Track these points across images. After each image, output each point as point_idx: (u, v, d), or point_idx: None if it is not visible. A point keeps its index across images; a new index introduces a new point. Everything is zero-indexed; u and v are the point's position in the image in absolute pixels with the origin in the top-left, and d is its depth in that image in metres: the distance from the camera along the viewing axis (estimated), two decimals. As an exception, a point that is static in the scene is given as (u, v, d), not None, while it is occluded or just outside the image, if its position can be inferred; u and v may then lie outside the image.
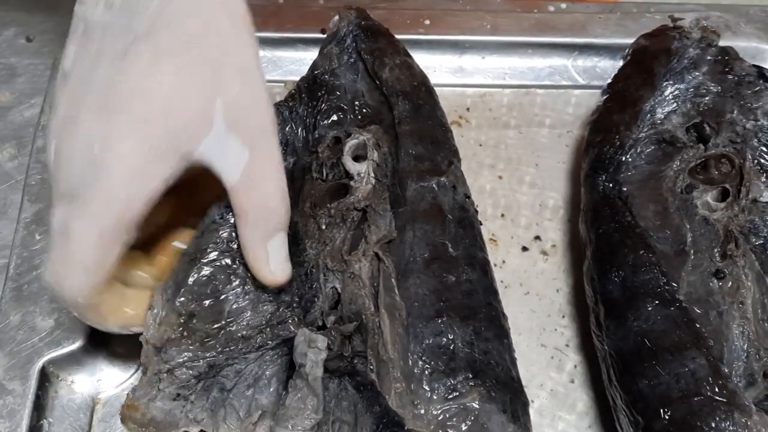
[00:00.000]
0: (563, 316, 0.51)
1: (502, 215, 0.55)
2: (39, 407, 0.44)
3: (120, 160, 0.35)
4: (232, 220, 0.41)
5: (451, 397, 0.38)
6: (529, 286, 0.52)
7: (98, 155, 0.35)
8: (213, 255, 0.40)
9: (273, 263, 0.39)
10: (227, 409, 0.40)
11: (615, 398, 0.43)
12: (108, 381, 0.46)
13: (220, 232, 0.40)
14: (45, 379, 0.45)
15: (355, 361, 0.39)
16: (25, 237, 0.49)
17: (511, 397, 0.39)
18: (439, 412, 0.37)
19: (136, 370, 0.46)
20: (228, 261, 0.40)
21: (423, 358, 0.39)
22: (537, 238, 0.54)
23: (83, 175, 0.35)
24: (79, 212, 0.35)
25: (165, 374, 0.38)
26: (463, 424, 0.37)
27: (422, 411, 0.37)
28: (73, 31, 0.39)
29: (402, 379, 0.38)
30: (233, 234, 0.40)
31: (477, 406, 0.37)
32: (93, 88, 0.36)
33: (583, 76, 0.61)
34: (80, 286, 0.36)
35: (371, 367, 0.39)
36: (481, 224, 0.48)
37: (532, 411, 0.45)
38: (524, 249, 0.53)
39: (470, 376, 0.38)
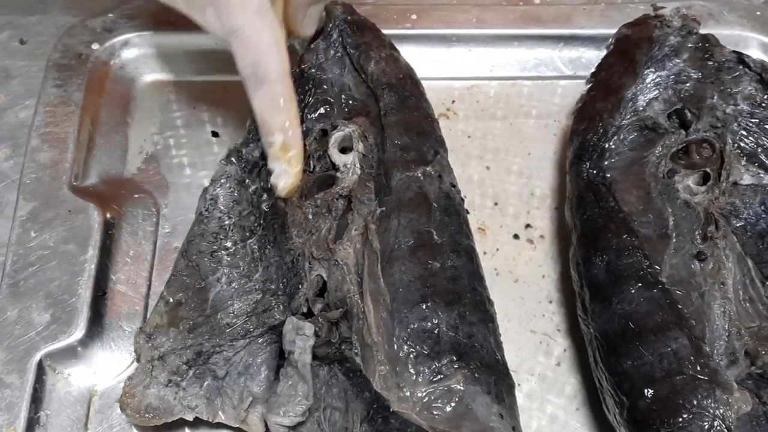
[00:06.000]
0: (551, 302, 0.51)
1: (494, 204, 0.55)
2: (36, 400, 0.45)
3: None
4: (217, 214, 0.42)
5: (435, 379, 0.38)
6: (518, 274, 0.53)
7: None
8: (199, 246, 0.41)
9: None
10: (223, 397, 0.41)
11: (601, 380, 0.43)
12: (104, 373, 0.47)
13: (207, 224, 0.41)
14: (42, 372, 0.45)
15: (343, 347, 0.40)
16: (21, 234, 0.50)
17: (495, 378, 0.40)
18: (424, 394, 0.38)
19: (132, 362, 0.47)
20: (214, 251, 0.41)
21: (408, 342, 0.39)
22: (525, 226, 0.55)
23: None
24: None
25: (157, 361, 0.39)
26: (448, 405, 0.38)
27: (407, 393, 0.38)
28: None
29: (386, 362, 0.39)
30: (219, 226, 0.41)
31: (461, 388, 0.38)
32: None
33: (569, 67, 0.62)
34: None
35: (356, 351, 0.40)
36: (468, 213, 0.48)
37: (521, 395, 0.46)
38: (514, 237, 0.54)
39: (455, 358, 0.39)
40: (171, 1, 0.45)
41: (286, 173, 0.45)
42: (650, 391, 0.40)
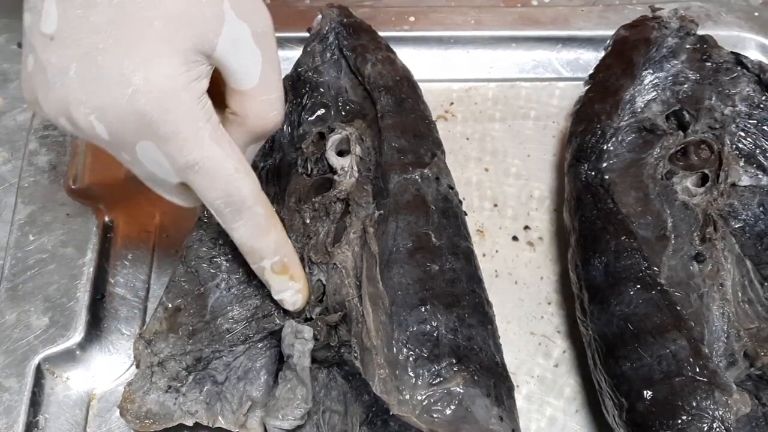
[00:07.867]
0: (550, 304, 0.51)
1: (493, 206, 0.55)
2: (35, 404, 0.45)
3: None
4: (216, 220, 0.42)
5: (435, 382, 0.38)
6: (517, 276, 0.53)
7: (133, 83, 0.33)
8: (198, 251, 0.41)
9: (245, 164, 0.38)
10: (222, 402, 0.41)
11: (600, 382, 0.43)
12: (103, 377, 0.47)
13: (206, 230, 0.41)
14: (41, 376, 0.46)
15: (342, 350, 0.40)
16: (19, 238, 0.50)
17: (495, 381, 0.40)
18: (424, 397, 0.38)
19: (130, 366, 0.47)
20: (213, 257, 0.41)
21: (407, 345, 0.39)
22: (524, 228, 0.55)
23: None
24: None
25: (156, 367, 0.39)
26: (448, 408, 0.38)
27: (407, 396, 0.38)
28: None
29: (386, 365, 0.39)
30: (218, 231, 0.41)
31: (461, 391, 0.38)
32: (98, 27, 0.34)
33: (567, 69, 0.62)
34: None
35: (356, 354, 0.40)
36: (467, 215, 0.48)
37: (520, 397, 0.46)
38: (512, 239, 0.54)
39: (454, 361, 0.39)
40: (90, 135, 0.36)
41: (292, 291, 0.41)
42: (649, 392, 0.40)
